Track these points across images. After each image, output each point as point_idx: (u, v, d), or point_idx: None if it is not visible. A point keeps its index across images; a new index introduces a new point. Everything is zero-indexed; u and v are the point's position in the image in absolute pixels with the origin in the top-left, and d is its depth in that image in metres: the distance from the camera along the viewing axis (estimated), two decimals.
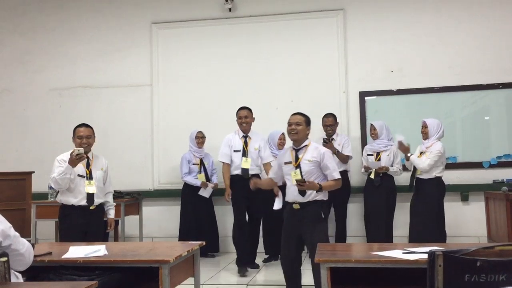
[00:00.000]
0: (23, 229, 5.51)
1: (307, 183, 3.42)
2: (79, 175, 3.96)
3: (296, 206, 3.57)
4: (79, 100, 6.60)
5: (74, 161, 3.75)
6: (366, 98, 6.10)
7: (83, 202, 3.94)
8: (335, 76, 6.13)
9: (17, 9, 6.85)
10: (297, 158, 3.62)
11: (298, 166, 3.59)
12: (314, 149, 3.63)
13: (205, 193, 5.73)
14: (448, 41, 5.99)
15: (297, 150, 3.65)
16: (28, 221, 5.64)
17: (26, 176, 5.89)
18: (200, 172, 5.76)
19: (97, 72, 6.61)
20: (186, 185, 5.82)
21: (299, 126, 3.61)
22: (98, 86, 6.59)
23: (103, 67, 6.60)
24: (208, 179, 5.79)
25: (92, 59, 6.63)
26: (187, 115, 6.33)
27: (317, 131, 5.77)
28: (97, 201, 4.02)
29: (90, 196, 3.97)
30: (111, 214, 4.23)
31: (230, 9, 6.32)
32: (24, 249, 2.10)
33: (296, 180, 3.44)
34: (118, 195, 5.67)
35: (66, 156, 3.89)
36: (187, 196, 5.82)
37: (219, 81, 6.35)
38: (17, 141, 6.68)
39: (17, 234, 2.09)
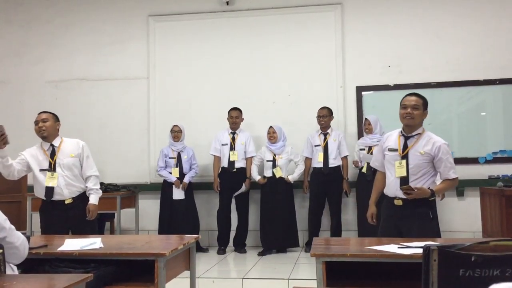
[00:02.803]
0: (19, 221, 5.51)
1: (416, 190, 2.93)
2: (41, 170, 3.66)
3: (398, 202, 3.10)
4: (76, 93, 6.58)
5: None
6: (363, 93, 6.10)
7: (55, 197, 3.64)
8: (332, 70, 6.13)
9: (13, 0, 6.80)
10: (405, 147, 3.13)
11: (405, 157, 3.12)
12: (428, 139, 3.11)
13: (177, 195, 5.64)
14: (445, 37, 5.99)
15: (407, 137, 3.16)
16: (23, 213, 5.64)
17: None
18: (176, 166, 5.74)
19: (94, 65, 6.58)
20: (165, 180, 5.80)
21: (416, 111, 3.08)
22: (95, 79, 6.57)
23: (100, 59, 6.57)
24: (183, 173, 5.74)
25: (89, 52, 6.60)
26: (184, 108, 6.32)
27: (315, 125, 5.81)
28: (69, 192, 3.65)
29: (48, 190, 3.61)
30: (92, 199, 3.70)
31: (227, 2, 6.29)
32: (19, 243, 2.09)
33: (402, 188, 2.98)
34: (114, 188, 5.67)
35: (28, 150, 3.75)
36: (166, 191, 5.76)
37: (216, 74, 6.33)
38: (12, 134, 6.54)
39: (12, 227, 2.09)
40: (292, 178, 5.63)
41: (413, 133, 3.15)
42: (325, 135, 5.71)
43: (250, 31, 6.33)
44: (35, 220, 5.56)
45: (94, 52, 6.59)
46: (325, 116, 5.68)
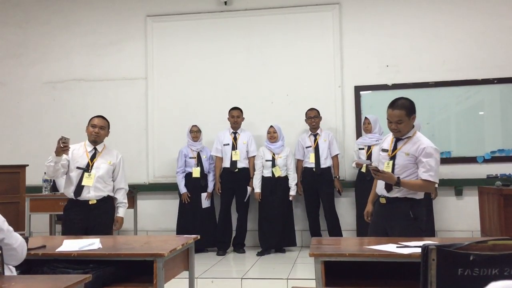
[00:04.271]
0: (17, 222, 5.49)
1: (381, 172, 3.08)
2: (78, 168, 3.79)
3: (382, 201, 3.24)
4: (73, 94, 6.57)
5: (58, 149, 3.53)
6: (361, 92, 6.11)
7: (81, 197, 3.76)
8: (330, 70, 6.13)
9: (10, 1, 6.79)
10: (395, 148, 3.25)
11: (393, 157, 3.22)
12: (416, 141, 3.19)
13: (205, 203, 5.75)
14: (443, 36, 6.00)
15: (398, 139, 3.27)
16: (22, 214, 5.62)
17: (20, 169, 5.85)
18: (196, 165, 5.76)
19: (91, 65, 6.57)
20: (185, 179, 5.80)
21: (400, 124, 3.14)
22: (93, 79, 6.56)
23: (98, 60, 6.56)
24: (204, 172, 5.78)
25: (87, 52, 6.59)
26: (182, 108, 6.32)
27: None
28: (95, 195, 3.78)
29: (79, 189, 3.75)
30: (119, 212, 3.92)
31: (225, 3, 6.29)
32: (17, 244, 2.09)
33: (368, 167, 3.18)
34: None
35: (73, 147, 3.80)
36: (190, 195, 5.76)
37: (214, 74, 6.33)
38: (11, 134, 6.64)
39: (10, 228, 2.08)
40: (293, 193, 5.65)
41: (404, 136, 3.24)
42: (315, 136, 5.73)
43: (248, 31, 6.33)
44: (33, 221, 5.57)
45: (92, 52, 6.58)
46: (316, 116, 5.71)
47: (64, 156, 3.74)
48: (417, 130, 5.33)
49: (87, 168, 3.81)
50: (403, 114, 3.13)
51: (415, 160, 3.15)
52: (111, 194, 3.92)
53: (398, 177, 3.10)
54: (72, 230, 3.69)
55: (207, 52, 6.36)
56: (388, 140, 3.35)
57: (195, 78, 6.36)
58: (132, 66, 6.50)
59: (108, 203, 3.88)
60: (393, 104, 3.18)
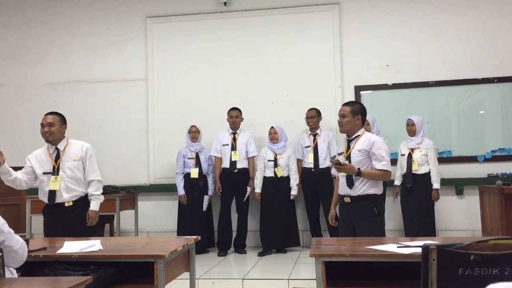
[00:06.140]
0: (18, 224, 5.51)
1: (342, 164, 3.27)
2: (45, 173, 3.65)
3: (346, 200, 3.41)
4: (74, 95, 6.57)
5: None
6: (361, 92, 6.11)
7: (56, 200, 3.63)
8: (330, 70, 6.13)
9: (10, 2, 6.80)
10: (348, 149, 3.49)
11: (348, 157, 3.44)
12: (366, 138, 3.46)
13: (206, 206, 5.75)
14: (443, 36, 6.00)
15: (349, 140, 3.52)
16: (23, 216, 5.64)
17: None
18: (195, 166, 5.76)
19: (92, 67, 6.57)
20: (184, 180, 5.81)
21: (344, 118, 3.45)
22: (93, 81, 6.56)
23: (98, 61, 6.56)
24: (202, 173, 5.78)
25: (87, 54, 6.59)
26: (183, 109, 6.32)
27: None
28: (69, 196, 3.62)
29: (51, 194, 3.61)
30: (92, 205, 3.66)
31: (225, 3, 6.29)
32: (17, 246, 2.09)
33: (331, 161, 3.41)
34: (113, 189, 5.66)
35: (34, 153, 3.75)
36: (189, 195, 5.77)
37: (214, 75, 6.33)
38: (11, 136, 6.64)
39: (11, 230, 2.08)
40: (294, 193, 5.66)
41: (353, 136, 3.49)
42: (315, 135, 5.73)
43: (248, 32, 6.33)
44: (34, 223, 5.57)
45: (92, 54, 6.58)
46: (313, 117, 5.71)
47: (29, 163, 3.69)
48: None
49: (54, 171, 3.64)
50: (348, 110, 3.46)
51: (367, 154, 3.40)
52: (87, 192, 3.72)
53: (359, 168, 3.31)
54: (53, 233, 3.52)
55: (207, 53, 6.36)
56: (342, 145, 3.66)
57: (195, 79, 6.36)
58: (132, 67, 6.50)
59: (86, 204, 3.69)
60: (346, 102, 3.59)
